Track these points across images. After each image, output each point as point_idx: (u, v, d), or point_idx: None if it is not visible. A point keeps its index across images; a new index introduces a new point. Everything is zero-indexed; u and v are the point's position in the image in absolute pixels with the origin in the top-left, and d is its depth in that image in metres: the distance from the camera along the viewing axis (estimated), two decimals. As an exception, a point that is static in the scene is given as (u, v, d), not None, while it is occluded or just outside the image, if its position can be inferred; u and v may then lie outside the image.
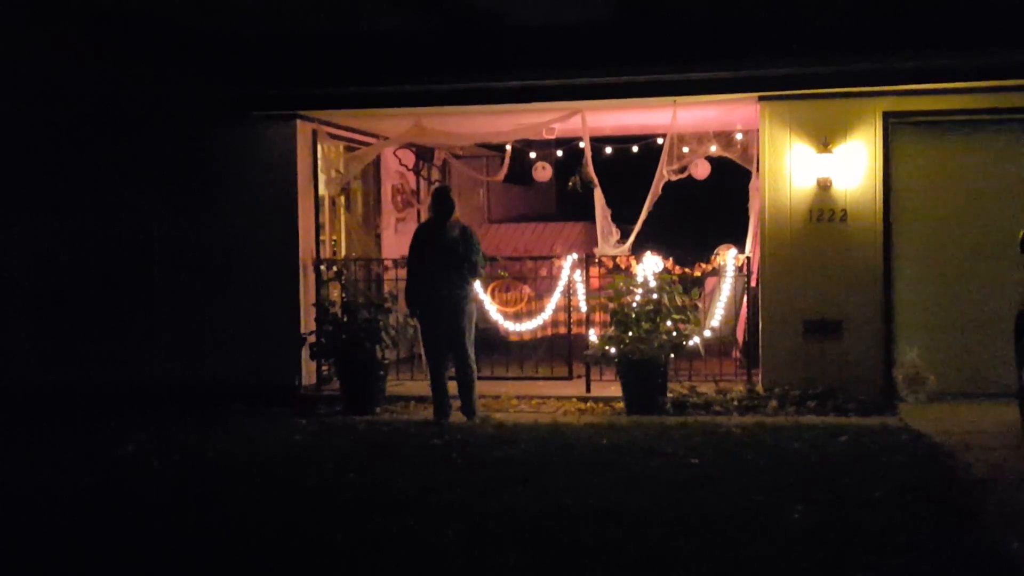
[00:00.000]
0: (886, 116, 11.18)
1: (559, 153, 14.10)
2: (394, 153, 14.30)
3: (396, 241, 14.41)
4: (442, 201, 10.61)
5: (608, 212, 12.39)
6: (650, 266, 11.29)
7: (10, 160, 12.61)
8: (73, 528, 7.12)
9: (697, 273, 11.96)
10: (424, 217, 14.82)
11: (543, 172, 14.47)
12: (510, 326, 12.91)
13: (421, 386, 11.80)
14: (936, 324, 11.28)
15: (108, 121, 12.44)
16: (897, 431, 9.54)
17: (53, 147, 12.54)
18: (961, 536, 6.52)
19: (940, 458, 8.54)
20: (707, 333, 12.05)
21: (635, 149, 13.73)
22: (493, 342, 12.73)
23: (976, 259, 11.23)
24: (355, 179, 13.47)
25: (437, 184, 13.85)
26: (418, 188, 15.18)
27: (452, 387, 10.60)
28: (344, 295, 11.73)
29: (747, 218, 13.15)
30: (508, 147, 13.67)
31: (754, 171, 12.67)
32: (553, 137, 13.12)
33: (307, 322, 11.88)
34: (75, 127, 12.49)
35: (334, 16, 12.85)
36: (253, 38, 12.46)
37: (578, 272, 12.33)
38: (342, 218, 13.45)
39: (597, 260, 12.30)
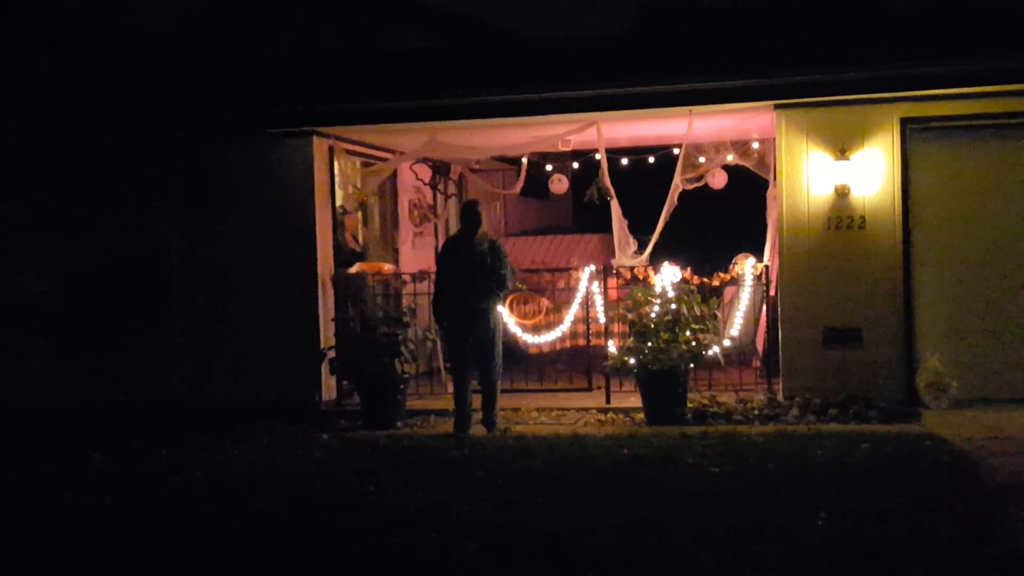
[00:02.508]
0: (904, 122, 11.13)
1: (575, 165, 14.11)
2: (411, 168, 14.33)
3: (414, 255, 14.45)
4: (469, 214, 10.66)
5: (625, 223, 12.37)
6: (668, 276, 11.27)
7: (27, 180, 12.69)
8: (94, 545, 7.14)
9: (715, 283, 11.94)
10: (441, 231, 14.93)
11: (559, 184, 14.48)
12: (529, 338, 12.90)
13: (440, 400, 11.83)
14: (958, 329, 11.21)
15: (124, 140, 12.51)
16: (920, 438, 9.48)
17: (70, 166, 12.61)
18: (986, 543, 6.47)
19: (964, 465, 8.48)
20: (726, 342, 12.03)
21: (651, 160, 13.73)
22: (512, 355, 12.72)
23: (997, 263, 11.16)
24: (372, 194, 13.51)
25: (467, 198, 13.88)
26: (435, 202, 15.20)
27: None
28: (363, 310, 11.73)
29: (765, 227, 13.12)
30: (524, 160, 13.69)
31: (771, 180, 12.66)
32: (569, 149, 13.13)
33: (326, 337, 11.89)
34: (91, 146, 12.56)
35: (350, 35, 12.89)
36: (270, 56, 12.52)
37: (596, 283, 12.31)
38: (360, 233, 13.47)
39: (615, 271, 12.28)
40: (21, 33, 12.59)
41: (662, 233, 12.21)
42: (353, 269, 12.36)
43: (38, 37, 12.59)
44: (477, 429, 10.50)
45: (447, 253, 10.79)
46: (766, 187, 13.10)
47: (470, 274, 10.39)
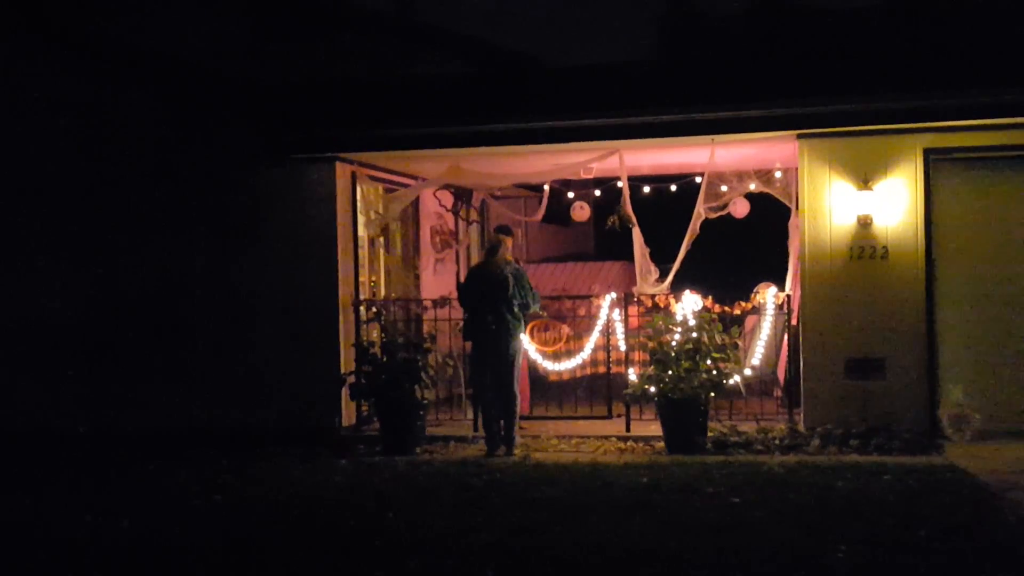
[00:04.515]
0: (927, 153, 11.10)
1: (597, 193, 14.11)
2: (433, 194, 14.35)
3: (435, 281, 14.45)
4: (491, 240, 11.21)
5: (647, 251, 12.35)
6: (689, 304, 11.24)
7: (52, 203, 12.78)
8: (111, 569, 7.14)
9: (737, 311, 11.88)
10: (463, 257, 15.01)
11: (581, 212, 14.48)
12: (549, 365, 12.88)
13: (460, 426, 11.84)
14: (981, 361, 11.13)
15: (149, 165, 12.60)
16: (942, 470, 9.41)
17: (93, 190, 12.70)
18: (1009, 577, 6.42)
19: (987, 498, 8.41)
20: (747, 372, 11.97)
21: (673, 188, 13.72)
22: (533, 382, 12.70)
23: (1021, 295, 11.09)
24: (394, 220, 13.55)
25: (491, 225, 14.01)
26: (457, 229, 15.23)
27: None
28: (383, 335, 11.76)
29: (787, 256, 13.08)
30: (546, 187, 13.70)
31: (794, 208, 12.62)
32: (591, 177, 13.13)
33: (347, 362, 11.91)
34: (116, 171, 12.65)
35: (373, 61, 12.98)
36: (293, 82, 12.60)
37: (617, 311, 12.29)
38: (381, 259, 13.51)
39: (636, 299, 12.26)
40: (48, 58, 12.72)
41: (683, 261, 12.19)
42: None
43: (66, 63, 12.72)
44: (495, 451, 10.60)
45: (472, 277, 11.23)
46: (788, 216, 13.07)
47: (493, 297, 10.72)
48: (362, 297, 12.44)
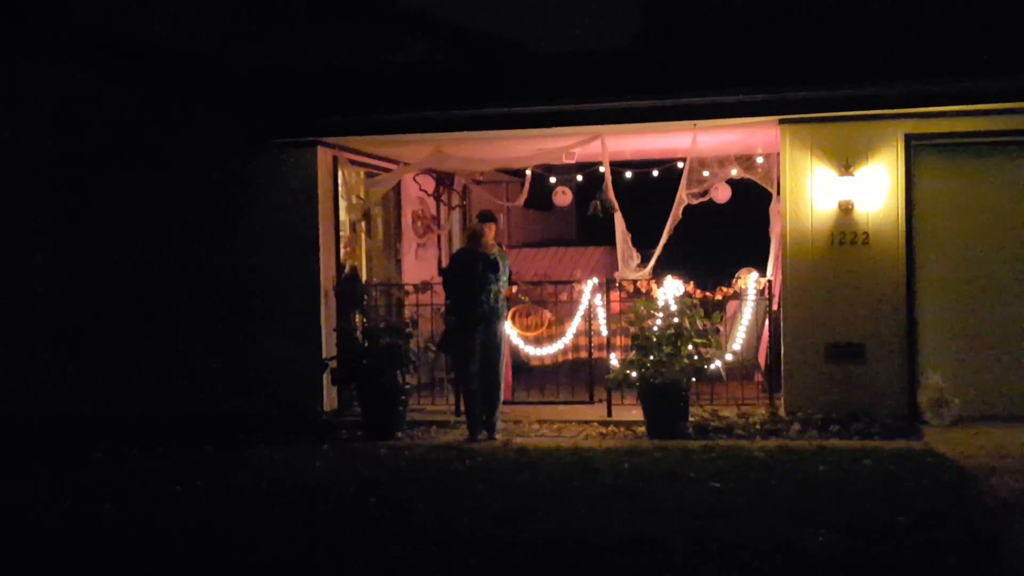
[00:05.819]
0: (908, 138, 11.14)
1: (579, 178, 14.12)
2: (414, 179, 14.34)
3: (417, 266, 14.45)
4: (473, 227, 11.20)
5: (628, 236, 12.37)
6: (671, 290, 11.27)
7: (34, 190, 12.71)
8: (91, 555, 7.13)
9: (718, 297, 11.93)
10: (444, 242, 15.00)
11: (563, 197, 14.48)
12: (531, 351, 12.89)
13: (442, 411, 11.84)
14: (960, 347, 11.19)
15: (130, 150, 12.52)
16: (921, 455, 9.47)
17: (76, 177, 12.63)
18: (988, 563, 6.46)
19: (965, 482, 8.47)
20: (728, 357, 12.02)
21: (655, 173, 13.74)
22: (515, 367, 12.72)
23: (1000, 281, 11.15)
24: (376, 205, 13.51)
25: (471, 210, 14.02)
26: (438, 214, 15.21)
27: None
28: (365, 320, 11.73)
29: (768, 241, 13.12)
30: (528, 172, 13.69)
31: (775, 194, 12.65)
32: (573, 162, 13.14)
33: (328, 348, 11.89)
34: (98, 157, 12.57)
35: (355, 47, 12.92)
36: (275, 67, 12.55)
37: (599, 296, 12.30)
38: (363, 244, 13.48)
39: (618, 284, 12.28)
40: (23, 46, 12.62)
41: (665, 247, 12.22)
42: None
43: (41, 50, 12.63)
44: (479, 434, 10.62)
45: (461, 260, 11.12)
46: (770, 202, 13.11)
47: (485, 279, 10.74)
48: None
